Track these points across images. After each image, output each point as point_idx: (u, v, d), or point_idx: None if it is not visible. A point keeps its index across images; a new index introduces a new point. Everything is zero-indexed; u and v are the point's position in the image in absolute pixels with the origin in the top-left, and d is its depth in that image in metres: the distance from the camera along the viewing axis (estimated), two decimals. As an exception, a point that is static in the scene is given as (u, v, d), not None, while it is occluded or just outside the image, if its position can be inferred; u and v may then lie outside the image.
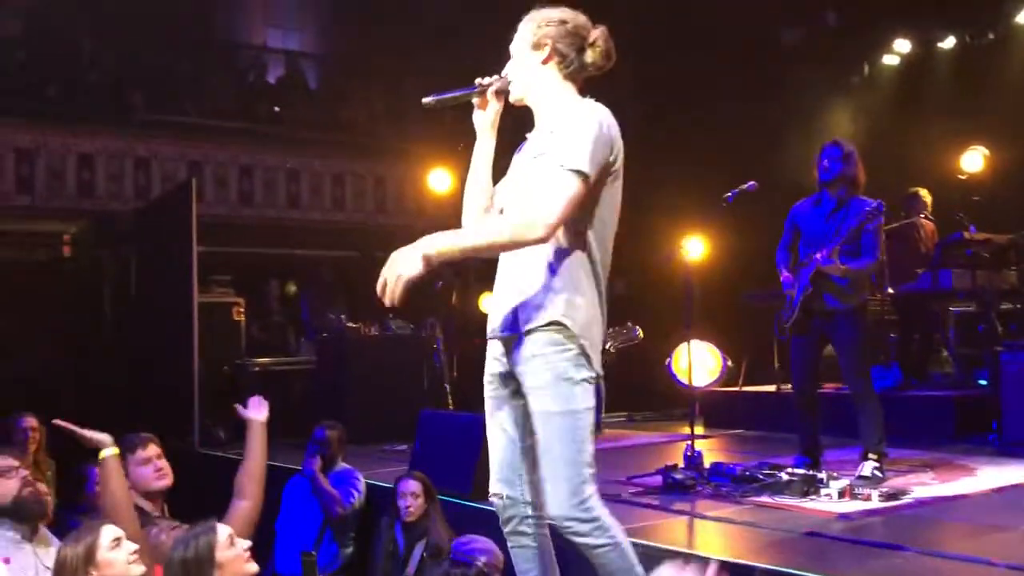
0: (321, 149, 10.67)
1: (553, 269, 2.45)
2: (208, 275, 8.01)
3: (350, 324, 7.40)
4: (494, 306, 2.58)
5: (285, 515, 5.02)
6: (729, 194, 4.85)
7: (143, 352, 8.27)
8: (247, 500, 3.27)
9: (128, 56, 9.72)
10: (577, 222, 2.43)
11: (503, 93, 2.60)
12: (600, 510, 2.40)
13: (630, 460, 5.43)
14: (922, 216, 7.01)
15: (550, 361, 2.41)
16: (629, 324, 6.87)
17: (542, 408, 2.41)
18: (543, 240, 2.35)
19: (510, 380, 2.53)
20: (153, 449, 3.31)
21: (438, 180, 8.93)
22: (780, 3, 9.45)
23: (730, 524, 3.82)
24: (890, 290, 6.94)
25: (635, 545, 3.36)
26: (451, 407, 7.15)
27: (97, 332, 9.30)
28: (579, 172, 2.34)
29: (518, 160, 2.63)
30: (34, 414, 4.97)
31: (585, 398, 2.41)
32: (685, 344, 6.62)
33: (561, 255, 2.46)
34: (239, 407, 3.50)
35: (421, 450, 4.95)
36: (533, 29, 2.55)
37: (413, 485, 4.32)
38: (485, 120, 2.65)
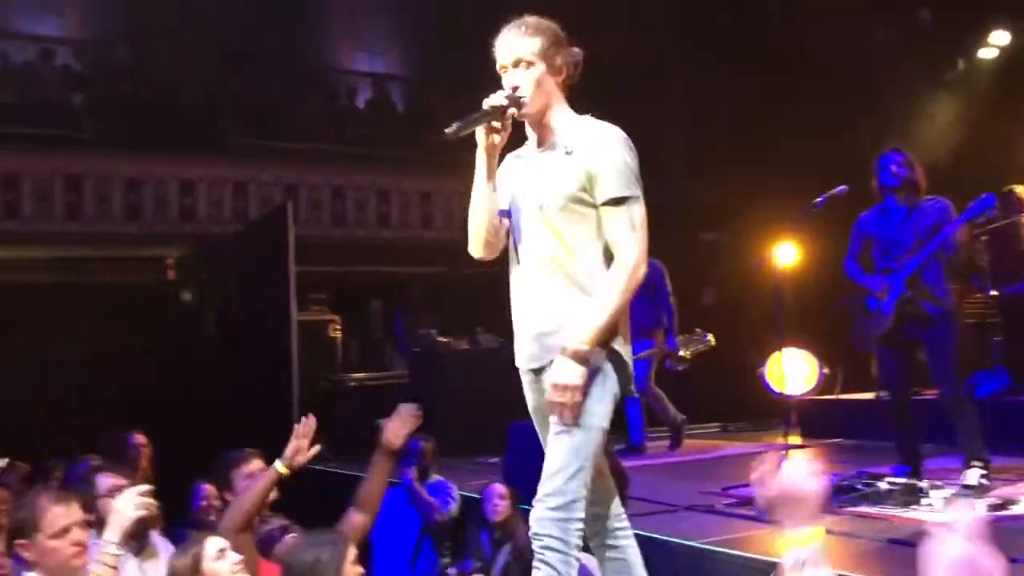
0: (409, 169, 10.90)
1: (583, 290, 2.47)
2: (304, 294, 8.26)
3: (441, 339, 7.52)
4: (523, 336, 2.61)
5: (381, 526, 5.12)
6: (819, 199, 4.79)
7: (244, 369, 8.57)
8: (366, 514, 3.34)
9: (224, 85, 10.13)
10: (599, 241, 2.47)
11: (508, 116, 2.52)
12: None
13: (725, 471, 5.36)
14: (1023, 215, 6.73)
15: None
16: (698, 331, 6.82)
17: (558, 425, 2.42)
18: (644, 270, 2.44)
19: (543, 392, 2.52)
20: (256, 464, 3.41)
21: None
22: (871, 3, 9.25)
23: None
24: (993, 292, 6.68)
25: (732, 556, 3.36)
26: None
27: (201, 351, 9.68)
28: (636, 197, 2.44)
29: (517, 173, 2.60)
30: (143, 431, 5.21)
31: (603, 415, 2.43)
32: (779, 352, 6.52)
33: (589, 274, 2.47)
34: (383, 422, 3.51)
35: (512, 462, 4.99)
36: (545, 44, 2.51)
37: (499, 488, 4.39)
38: (498, 142, 2.55)
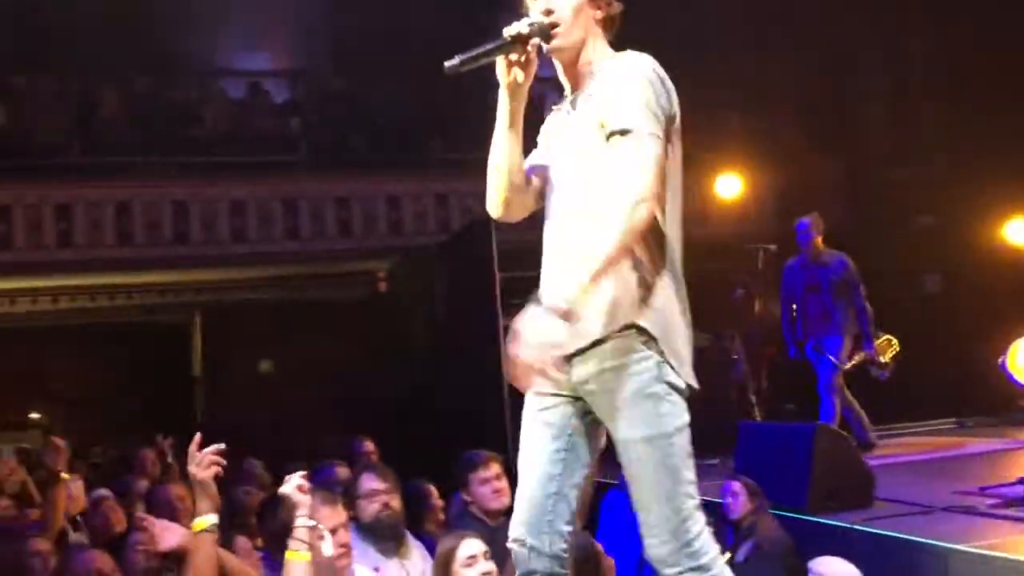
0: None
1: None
2: (509, 300, 8.38)
3: (648, 338, 7.40)
4: (549, 279, 2.15)
5: (605, 528, 5.08)
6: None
7: (454, 375, 8.80)
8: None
9: (424, 102, 10.49)
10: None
11: (533, 47, 2.11)
12: (712, 552, 2.02)
13: (977, 469, 4.95)
14: None
15: (627, 374, 2.02)
16: (882, 335, 6.33)
17: (624, 435, 2.03)
18: (652, 218, 2.03)
19: (566, 404, 2.13)
20: (494, 468, 3.45)
21: (726, 186, 8.75)
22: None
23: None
24: None
25: (999, 560, 3.05)
26: (758, 419, 6.92)
27: (413, 359, 10.06)
28: (650, 135, 2.03)
29: (556, 127, 2.24)
30: (369, 437, 5.46)
31: (676, 415, 2.03)
32: (1022, 340, 5.96)
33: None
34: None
35: (744, 464, 4.81)
36: None
37: (735, 485, 4.24)
38: (521, 80, 2.12)
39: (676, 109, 2.13)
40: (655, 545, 2.03)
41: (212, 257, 9.57)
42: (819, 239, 6.37)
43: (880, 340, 6.26)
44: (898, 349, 6.31)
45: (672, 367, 2.06)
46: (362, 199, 10.05)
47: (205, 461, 2.51)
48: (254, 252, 9.73)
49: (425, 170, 10.26)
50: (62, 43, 10.43)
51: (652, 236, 2.10)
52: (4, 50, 10.71)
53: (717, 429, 5.21)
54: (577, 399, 2.11)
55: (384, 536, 3.13)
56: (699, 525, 2.02)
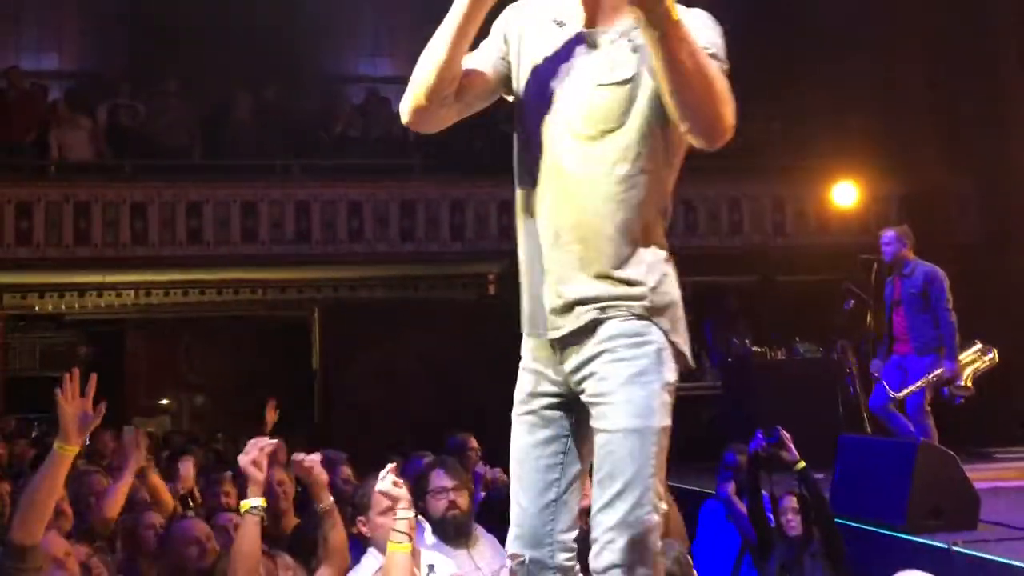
0: (715, 175, 10.70)
1: (625, 228, 1.87)
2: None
3: (756, 348, 7.31)
4: (531, 292, 1.99)
5: (701, 539, 5.06)
6: None
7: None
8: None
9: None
10: (662, 158, 1.90)
11: None
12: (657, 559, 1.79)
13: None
14: None
15: (623, 356, 1.83)
16: (978, 344, 5.98)
17: (608, 424, 1.82)
18: (715, 145, 1.79)
19: (557, 396, 1.95)
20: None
21: (843, 194, 8.53)
22: None
23: None
24: None
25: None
26: (869, 433, 6.72)
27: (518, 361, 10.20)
28: (716, 56, 1.83)
29: (552, 53, 1.94)
30: (472, 434, 5.60)
31: (665, 413, 1.83)
32: None
33: (637, 207, 1.87)
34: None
35: (842, 478, 4.71)
36: None
37: (790, 500, 4.21)
38: None
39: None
40: (608, 518, 1.81)
41: (331, 256, 9.95)
42: (907, 251, 6.16)
43: (968, 354, 5.98)
44: (990, 364, 6.00)
45: (675, 356, 1.89)
46: (475, 203, 10.24)
47: (252, 454, 2.70)
48: (370, 252, 10.06)
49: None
50: (197, 50, 11.07)
51: (662, 210, 1.97)
52: (144, 56, 11.45)
53: (825, 444, 5.10)
54: (570, 394, 1.94)
55: (449, 534, 3.24)
56: (656, 527, 1.82)
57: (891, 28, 9.85)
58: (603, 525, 1.80)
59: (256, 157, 9.88)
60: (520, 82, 2.02)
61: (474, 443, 5.14)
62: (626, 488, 1.78)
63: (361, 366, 11.11)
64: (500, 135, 10.46)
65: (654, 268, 1.93)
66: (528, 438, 1.97)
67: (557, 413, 1.96)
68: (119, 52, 12.14)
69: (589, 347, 1.88)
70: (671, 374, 1.87)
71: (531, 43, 1.99)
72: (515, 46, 2.01)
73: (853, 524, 4.21)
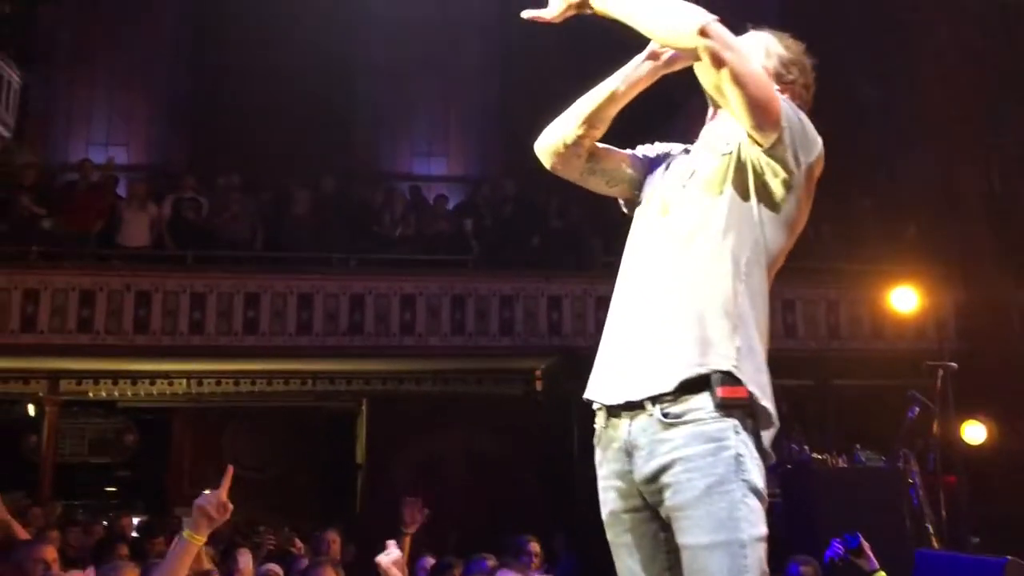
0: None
1: (711, 295, 1.85)
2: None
3: (816, 455, 7.14)
4: (604, 363, 1.97)
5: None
6: None
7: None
8: None
9: (588, 206, 10.76)
10: (755, 229, 1.90)
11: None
12: None
13: None
14: None
15: (698, 465, 1.76)
16: None
17: (688, 540, 1.74)
18: (698, 29, 1.79)
19: (646, 517, 1.87)
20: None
21: (901, 299, 8.43)
22: None
23: None
24: None
25: None
26: (935, 548, 6.47)
27: (569, 459, 10.06)
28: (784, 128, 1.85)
29: (675, 162, 2.08)
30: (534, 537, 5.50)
31: (755, 520, 1.74)
32: None
33: (724, 276, 1.86)
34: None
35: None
36: (783, 43, 2.07)
37: None
38: (663, 63, 2.08)
39: (818, 160, 1.96)
40: None
41: (383, 348, 10.01)
42: None
43: None
44: None
45: (760, 451, 1.81)
46: (525, 298, 10.30)
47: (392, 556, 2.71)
48: (421, 345, 10.11)
49: (588, 272, 10.45)
50: (259, 143, 11.46)
51: (757, 285, 1.92)
52: (207, 148, 11.86)
53: (892, 557, 4.93)
54: (653, 506, 1.86)
55: None
56: None
57: (948, 132, 9.90)
58: None
59: (313, 250, 10.08)
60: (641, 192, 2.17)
61: (536, 547, 5.03)
62: None
63: (406, 459, 11.04)
64: (552, 231, 10.64)
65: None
66: (628, 565, 1.91)
67: (645, 529, 1.89)
68: (184, 145, 12.61)
69: (661, 455, 1.82)
70: (757, 476, 1.78)
71: (660, 163, 2.16)
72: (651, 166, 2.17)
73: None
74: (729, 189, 1.93)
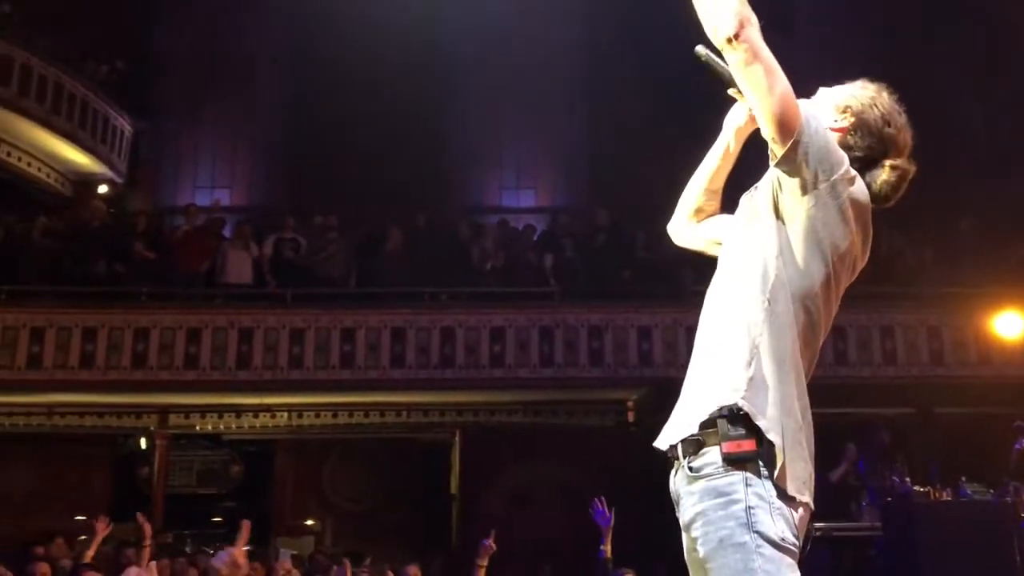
0: (866, 302, 10.41)
1: (733, 329, 1.87)
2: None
3: (918, 488, 6.90)
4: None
5: None
6: None
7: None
8: None
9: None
10: (778, 258, 1.87)
11: None
12: None
13: None
14: None
15: (712, 519, 1.78)
16: None
17: None
18: (730, 35, 1.79)
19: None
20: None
21: (1006, 324, 8.12)
22: None
23: None
24: None
25: None
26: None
27: (663, 490, 9.96)
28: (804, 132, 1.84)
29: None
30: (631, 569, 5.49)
31: (773, 569, 1.73)
32: None
33: (745, 307, 1.87)
34: None
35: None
36: (854, 92, 2.02)
37: None
38: (735, 118, 2.15)
39: (862, 209, 1.95)
40: None
41: (473, 380, 10.15)
42: None
43: None
44: None
45: (783, 499, 1.77)
46: (615, 328, 10.30)
47: None
48: (511, 377, 10.21)
49: (677, 302, 10.39)
50: (354, 182, 11.84)
51: (784, 330, 1.88)
52: (307, 192, 12.34)
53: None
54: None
55: None
56: None
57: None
58: None
59: (405, 285, 10.33)
60: None
61: (631, 576, 5.01)
62: None
63: (499, 490, 11.12)
64: (639, 262, 10.63)
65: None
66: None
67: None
68: (283, 187, 13.14)
69: (689, 508, 1.87)
70: (770, 525, 1.76)
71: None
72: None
73: None
74: (758, 220, 1.95)
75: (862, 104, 2.00)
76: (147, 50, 13.45)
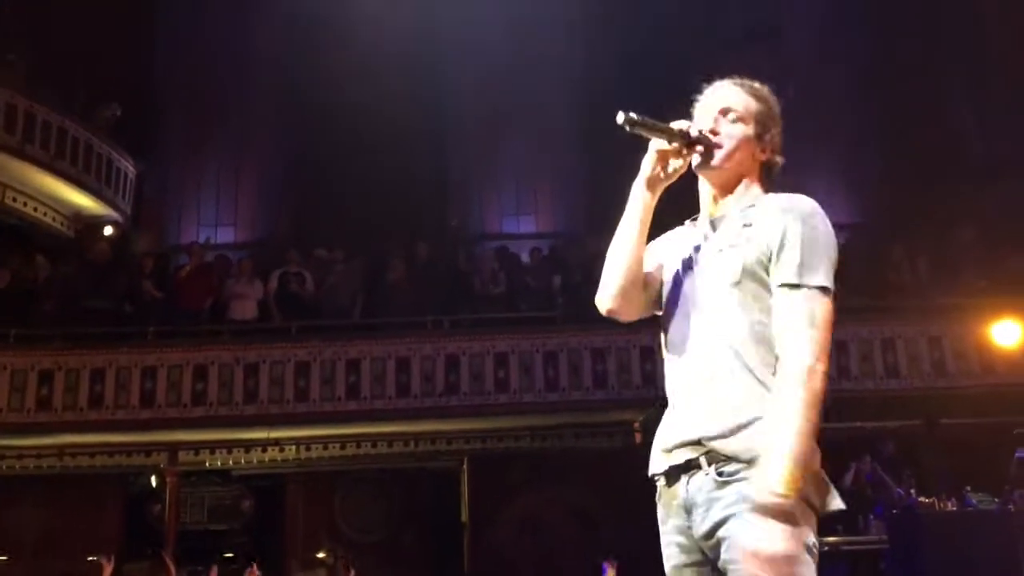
0: (866, 315, 10.46)
1: (762, 384, 1.96)
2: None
3: (923, 499, 6.92)
4: (670, 418, 2.16)
5: None
6: None
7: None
8: None
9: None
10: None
11: (691, 152, 2.09)
12: None
13: None
14: None
15: (747, 520, 1.86)
16: None
17: None
18: (825, 379, 1.90)
19: (695, 542, 2.00)
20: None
21: (1003, 333, 8.16)
22: None
23: None
24: None
25: None
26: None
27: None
28: (822, 288, 1.94)
29: (688, 245, 2.16)
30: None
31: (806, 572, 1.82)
32: None
33: (765, 365, 1.97)
34: None
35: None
36: (765, 111, 2.13)
37: None
38: (663, 176, 2.13)
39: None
40: None
41: (479, 407, 10.20)
42: None
43: None
44: None
45: (814, 515, 1.88)
46: (617, 350, 10.35)
47: None
48: (516, 402, 10.25)
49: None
50: (356, 218, 11.96)
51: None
52: (310, 225, 12.46)
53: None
54: (712, 560, 1.96)
55: None
56: None
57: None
58: None
59: (409, 314, 10.41)
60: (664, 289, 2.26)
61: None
62: None
63: (509, 517, 11.13)
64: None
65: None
66: None
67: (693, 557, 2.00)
68: (286, 221, 13.27)
69: (716, 510, 1.94)
70: (806, 532, 1.85)
71: (676, 240, 2.27)
72: (663, 260, 2.27)
73: None
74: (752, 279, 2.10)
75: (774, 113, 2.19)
76: (147, 90, 13.66)
